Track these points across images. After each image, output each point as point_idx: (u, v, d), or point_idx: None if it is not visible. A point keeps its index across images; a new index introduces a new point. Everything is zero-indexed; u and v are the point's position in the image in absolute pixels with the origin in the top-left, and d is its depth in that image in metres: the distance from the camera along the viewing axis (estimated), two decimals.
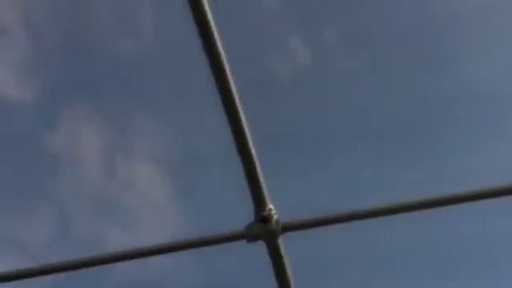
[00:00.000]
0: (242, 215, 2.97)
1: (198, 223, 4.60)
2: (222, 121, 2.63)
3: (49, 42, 4.57)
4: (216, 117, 2.65)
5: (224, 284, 4.83)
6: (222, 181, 4.44)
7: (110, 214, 4.74)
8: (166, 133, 4.73)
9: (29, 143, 4.61)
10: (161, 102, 4.60)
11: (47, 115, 4.72)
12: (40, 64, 4.62)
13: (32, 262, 3.21)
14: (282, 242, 2.78)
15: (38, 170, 4.67)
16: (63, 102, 4.74)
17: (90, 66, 4.63)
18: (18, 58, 4.60)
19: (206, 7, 2.31)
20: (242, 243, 2.92)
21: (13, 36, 4.51)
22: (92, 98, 4.68)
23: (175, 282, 4.67)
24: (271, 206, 2.73)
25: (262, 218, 2.71)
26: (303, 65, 4.85)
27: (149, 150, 4.81)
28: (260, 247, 2.87)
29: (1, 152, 4.55)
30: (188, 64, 3.62)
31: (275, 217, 2.73)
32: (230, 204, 4.33)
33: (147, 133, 4.75)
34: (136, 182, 4.82)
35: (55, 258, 3.21)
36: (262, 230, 2.72)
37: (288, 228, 2.76)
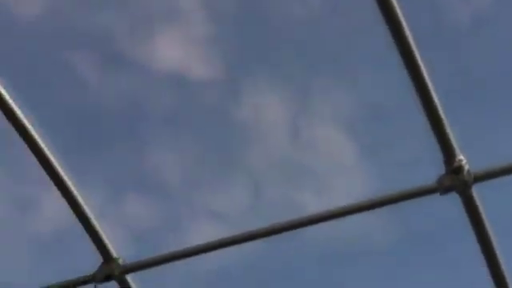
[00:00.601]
0: (428, 169, 2.94)
1: (385, 181, 4.60)
2: (403, 75, 2.61)
3: (225, 16, 4.72)
4: (396, 71, 2.64)
5: (419, 240, 4.81)
6: (407, 136, 4.41)
7: (298, 179, 4.85)
8: (347, 92, 4.75)
9: (218, 117, 4.80)
10: (338, 63, 4.62)
11: (231, 88, 4.89)
12: (218, 39, 4.79)
13: (230, 231, 3.36)
14: (475, 192, 2.74)
15: (229, 142, 4.86)
16: (245, 74, 4.88)
17: (266, 34, 4.74)
18: (197, 35, 4.79)
19: None
20: (432, 198, 2.90)
21: (192, 15, 4.70)
22: (272, 67, 4.79)
23: (367, 242, 4.71)
24: (461, 157, 2.70)
25: (454, 169, 2.68)
26: (482, 10, 4.69)
27: (331, 111, 4.86)
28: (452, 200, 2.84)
29: (194, 128, 4.77)
30: (361, 20, 3.62)
31: (466, 167, 2.69)
32: (416, 159, 4.30)
33: (328, 94, 4.80)
34: (321, 144, 4.89)
35: (251, 226, 3.34)
36: (454, 181, 2.70)
37: (480, 178, 2.72)
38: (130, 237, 4.19)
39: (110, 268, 3.10)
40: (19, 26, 4.26)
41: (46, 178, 3.12)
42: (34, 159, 3.08)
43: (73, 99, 4.55)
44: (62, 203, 3.34)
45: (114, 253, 3.17)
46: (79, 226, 3.25)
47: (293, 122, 4.97)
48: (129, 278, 3.17)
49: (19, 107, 2.95)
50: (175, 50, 4.83)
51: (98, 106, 4.71)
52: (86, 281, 3.15)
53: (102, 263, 3.14)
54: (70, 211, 3.18)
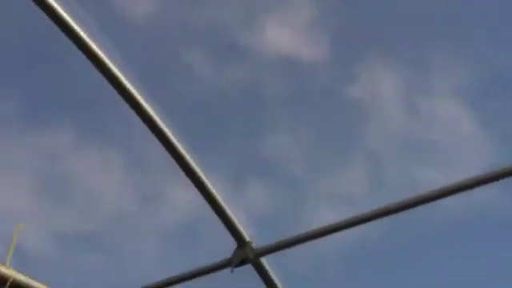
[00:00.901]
0: None
1: (508, 152, 4.48)
2: None
3: None
4: None
5: None
6: None
7: (419, 154, 4.80)
8: (465, 64, 4.66)
9: (333, 97, 4.81)
10: (455, 35, 4.53)
11: (343, 68, 4.89)
12: (324, 21, 4.79)
13: (352, 211, 3.36)
14: None
15: (346, 122, 4.85)
16: (354, 53, 4.87)
17: (374, 12, 4.70)
18: (303, 19, 4.80)
19: None
20: None
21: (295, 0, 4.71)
22: (384, 43, 4.76)
23: (491, 215, 4.62)
24: None
25: None
26: None
27: (449, 84, 4.78)
28: None
29: (310, 110, 4.79)
30: None
31: None
32: None
33: (445, 67, 4.72)
34: (440, 118, 4.82)
35: (374, 204, 3.33)
36: None
37: None
38: (252, 221, 4.25)
39: (245, 252, 3.16)
40: (135, 24, 4.38)
41: (175, 169, 3.20)
42: (159, 153, 3.15)
43: (190, 91, 4.66)
44: (188, 195, 3.41)
45: (247, 237, 3.22)
46: (208, 214, 3.32)
47: (410, 97, 4.92)
48: (263, 260, 3.23)
49: (147, 101, 3.03)
50: (286, 35, 4.86)
51: (215, 96, 4.80)
52: (223, 265, 3.23)
53: (237, 248, 3.20)
54: (198, 200, 3.25)
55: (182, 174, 3.18)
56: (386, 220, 3.32)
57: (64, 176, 4.84)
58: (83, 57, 2.94)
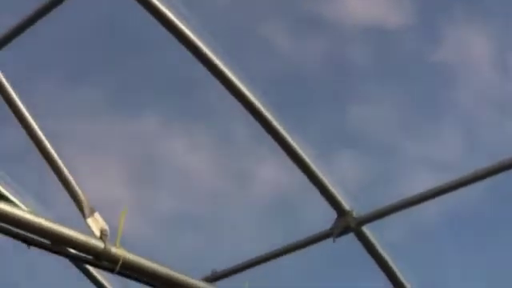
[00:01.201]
0: None
1: None
2: None
3: None
4: None
5: None
6: None
7: None
8: None
9: (420, 62, 4.71)
10: None
11: (429, 31, 4.78)
12: None
13: (450, 175, 3.29)
14: None
15: (435, 86, 4.75)
16: (440, 15, 4.75)
17: None
18: None
19: None
20: None
21: None
22: (469, 2, 4.63)
23: None
24: None
25: None
26: None
27: None
28: None
29: (398, 76, 4.72)
30: None
31: None
32: None
33: None
34: None
35: (472, 166, 3.26)
36: None
37: None
38: (343, 193, 4.22)
39: (346, 221, 3.15)
40: (214, 1, 4.39)
41: (265, 145, 3.21)
42: (246, 131, 3.15)
43: (272, 66, 4.64)
44: (278, 170, 3.38)
45: (347, 206, 3.21)
46: (302, 188, 3.31)
47: (502, 55, 4.78)
48: (364, 229, 3.21)
49: (238, 78, 3.05)
50: (367, 3, 4.79)
51: (297, 70, 4.77)
52: (324, 236, 3.22)
53: (337, 218, 3.19)
54: (290, 175, 3.25)
55: (275, 148, 3.19)
56: (486, 182, 3.26)
57: (154, 159, 4.91)
58: (169, 38, 2.98)
